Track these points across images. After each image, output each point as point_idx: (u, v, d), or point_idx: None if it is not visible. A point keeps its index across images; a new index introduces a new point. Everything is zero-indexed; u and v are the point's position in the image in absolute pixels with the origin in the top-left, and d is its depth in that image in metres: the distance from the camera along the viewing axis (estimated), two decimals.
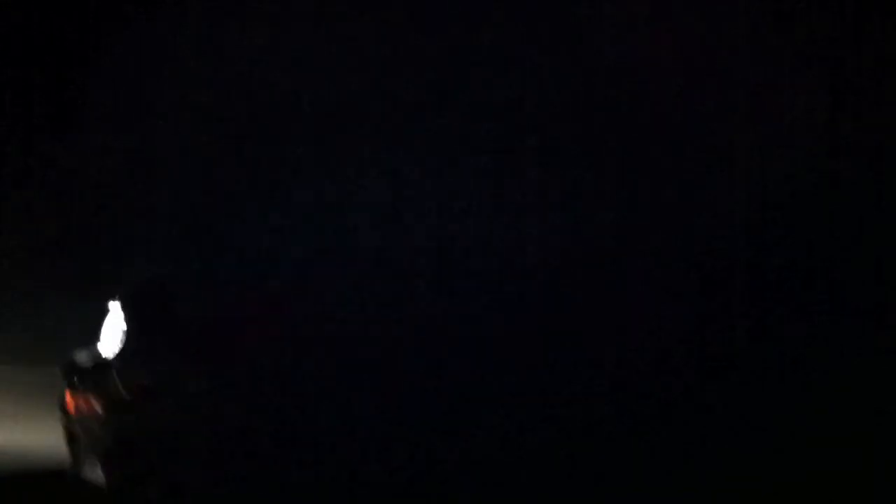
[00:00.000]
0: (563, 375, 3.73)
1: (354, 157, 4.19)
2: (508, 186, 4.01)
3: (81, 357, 3.60)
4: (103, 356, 3.51)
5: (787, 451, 3.49)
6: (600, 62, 3.98)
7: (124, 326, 3.49)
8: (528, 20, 4.06)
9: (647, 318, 3.80)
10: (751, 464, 3.50)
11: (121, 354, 3.44)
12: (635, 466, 3.57)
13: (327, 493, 3.40)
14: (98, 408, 3.37)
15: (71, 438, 3.59)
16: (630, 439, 3.65)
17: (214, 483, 3.34)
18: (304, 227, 4.00)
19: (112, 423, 3.34)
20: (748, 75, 3.92)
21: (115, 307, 3.59)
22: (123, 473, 3.33)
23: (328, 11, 4.24)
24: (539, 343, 3.83)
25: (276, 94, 4.29)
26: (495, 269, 3.97)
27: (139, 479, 3.34)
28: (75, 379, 3.48)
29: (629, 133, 4.02)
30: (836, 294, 3.75)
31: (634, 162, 3.99)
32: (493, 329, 3.82)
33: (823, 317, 3.74)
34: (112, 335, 3.53)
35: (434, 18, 4.10)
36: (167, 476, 3.34)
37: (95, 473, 3.45)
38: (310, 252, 3.85)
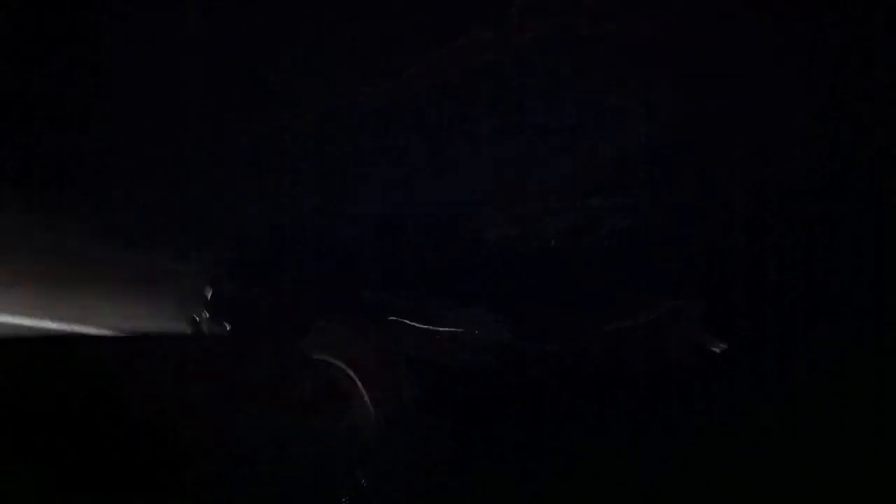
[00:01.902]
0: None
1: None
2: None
3: None
4: None
5: (786, 452, 3.51)
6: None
7: None
8: None
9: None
10: (750, 464, 3.51)
11: None
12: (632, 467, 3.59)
13: None
14: None
15: None
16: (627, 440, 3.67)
17: None
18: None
19: None
20: (748, 74, 3.92)
21: None
22: None
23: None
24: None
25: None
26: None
27: None
28: None
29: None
30: (836, 294, 3.77)
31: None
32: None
33: (823, 317, 3.75)
34: None
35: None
36: None
37: None
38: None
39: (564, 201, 4.07)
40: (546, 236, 4.04)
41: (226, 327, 4.28)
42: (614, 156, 4.04)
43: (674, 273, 3.85)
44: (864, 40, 3.83)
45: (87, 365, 3.68)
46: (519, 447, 3.70)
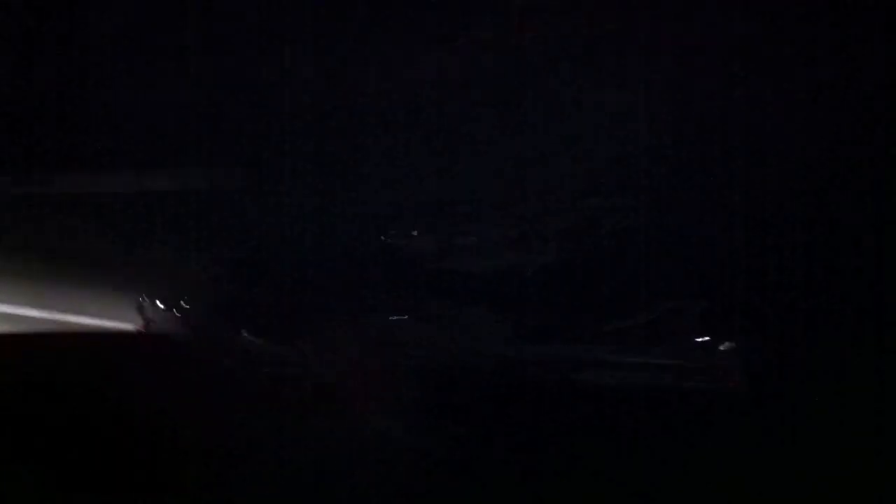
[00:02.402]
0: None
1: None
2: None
3: None
4: None
5: (786, 452, 3.50)
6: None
7: None
8: None
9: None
10: (750, 464, 3.51)
11: None
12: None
13: None
14: None
15: None
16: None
17: None
18: None
19: None
20: (748, 74, 3.93)
21: None
22: None
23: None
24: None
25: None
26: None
27: None
28: None
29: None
30: (837, 294, 3.76)
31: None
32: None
33: (823, 317, 3.75)
34: None
35: None
36: None
37: None
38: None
39: (564, 201, 4.07)
40: (546, 236, 4.05)
41: (212, 323, 4.34)
42: (614, 156, 4.04)
43: (674, 273, 3.84)
44: (864, 40, 3.83)
45: (85, 364, 3.67)
46: (518, 448, 3.69)
